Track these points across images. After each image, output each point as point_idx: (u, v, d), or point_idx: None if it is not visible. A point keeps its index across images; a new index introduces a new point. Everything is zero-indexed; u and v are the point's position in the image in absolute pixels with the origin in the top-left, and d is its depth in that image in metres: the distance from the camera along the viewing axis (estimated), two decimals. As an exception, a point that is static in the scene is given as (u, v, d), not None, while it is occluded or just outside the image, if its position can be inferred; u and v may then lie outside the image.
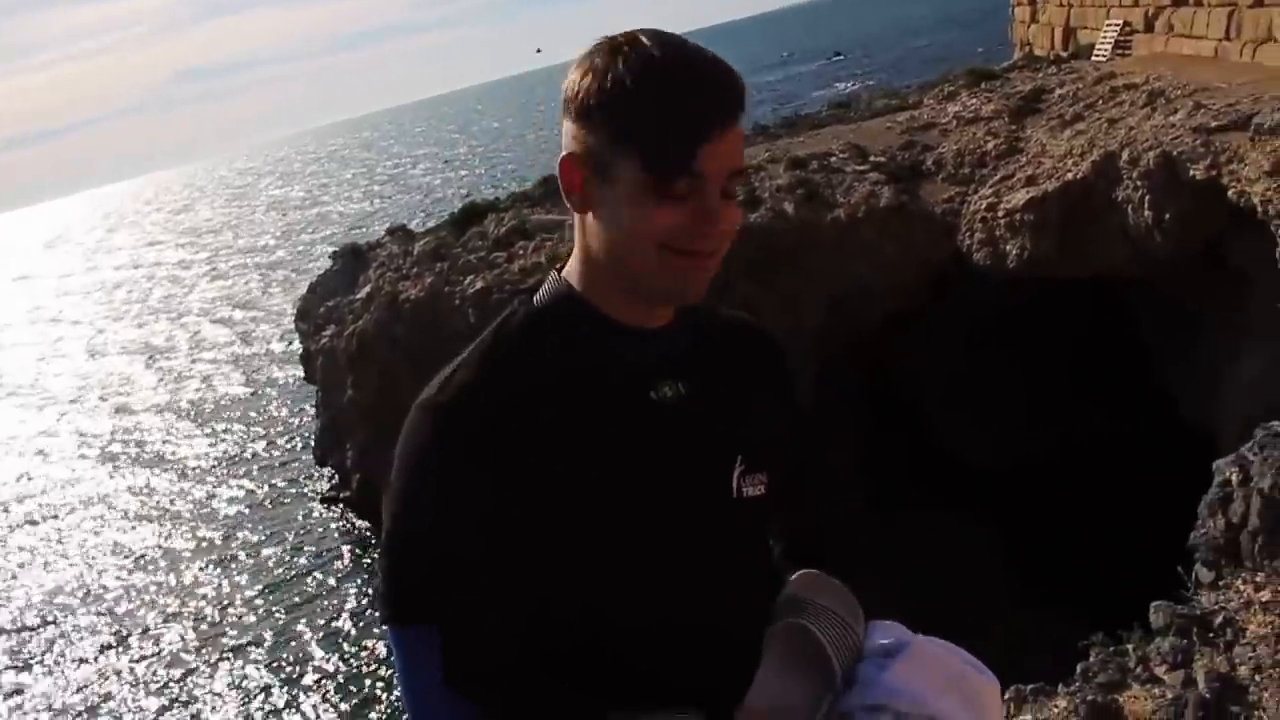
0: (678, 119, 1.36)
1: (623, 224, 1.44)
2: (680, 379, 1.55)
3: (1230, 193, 13.60)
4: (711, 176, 1.40)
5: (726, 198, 1.45)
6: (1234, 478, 5.58)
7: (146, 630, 20.79)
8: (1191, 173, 13.91)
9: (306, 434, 27.53)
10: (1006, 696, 4.72)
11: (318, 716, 17.05)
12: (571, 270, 1.57)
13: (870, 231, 17.38)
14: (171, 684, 18.74)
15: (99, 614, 21.90)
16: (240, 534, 24.19)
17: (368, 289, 22.46)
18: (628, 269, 1.47)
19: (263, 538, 23.76)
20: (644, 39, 1.40)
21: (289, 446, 28.94)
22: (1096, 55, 23.74)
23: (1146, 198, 14.47)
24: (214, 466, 28.76)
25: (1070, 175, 15.47)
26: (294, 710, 17.35)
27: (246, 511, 25.35)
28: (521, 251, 20.66)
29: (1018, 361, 18.79)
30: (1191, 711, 3.37)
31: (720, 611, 1.53)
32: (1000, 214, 16.03)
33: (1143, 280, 16.15)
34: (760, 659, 1.51)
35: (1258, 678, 3.45)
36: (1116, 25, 23.74)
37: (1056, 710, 3.74)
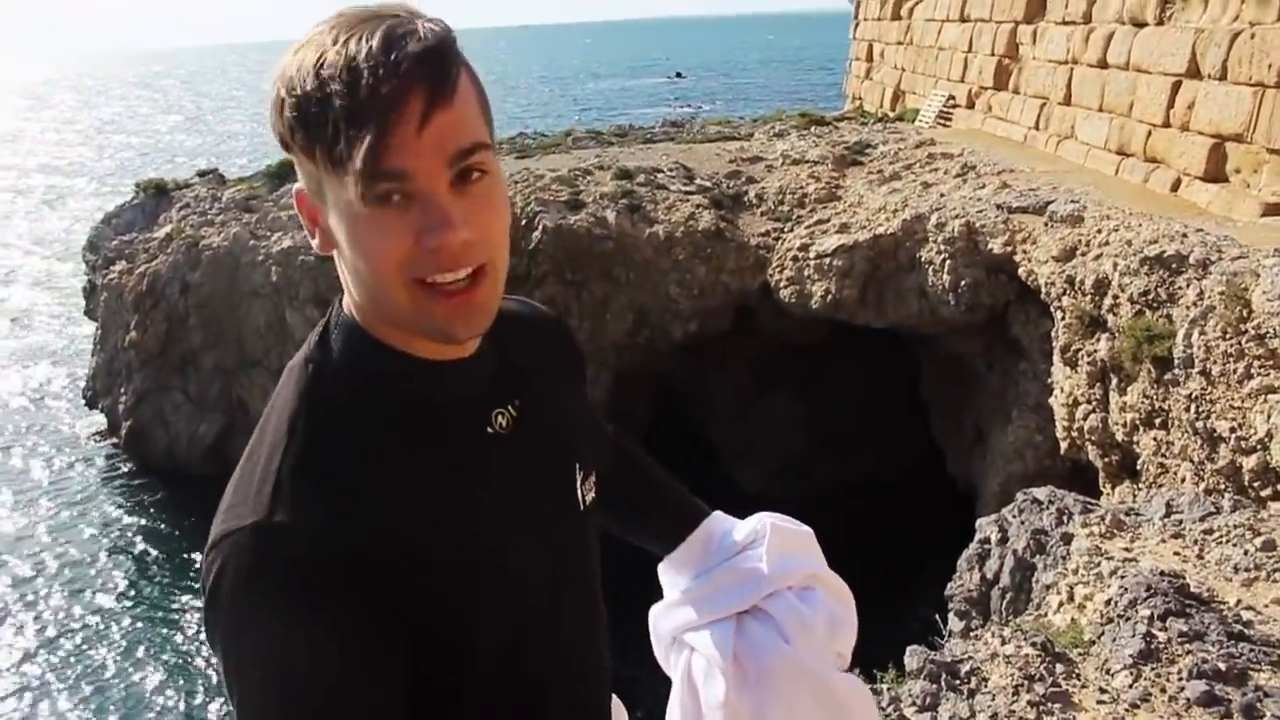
0: (351, 110, 1.10)
1: (356, 257, 1.22)
2: (508, 402, 1.40)
3: (1021, 270, 14.55)
4: (423, 172, 1.15)
5: (463, 183, 1.20)
6: (993, 536, 5.98)
7: None
8: (990, 245, 14.80)
9: (78, 373, 25.94)
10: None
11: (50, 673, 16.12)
12: (355, 310, 1.33)
13: (685, 252, 17.72)
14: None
15: None
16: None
17: (168, 229, 21.42)
18: (389, 310, 1.26)
19: (16, 478, 22.17)
20: (320, 29, 1.16)
21: (57, 385, 27.21)
22: (920, 121, 24.95)
23: (947, 262, 15.30)
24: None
25: (881, 229, 16.19)
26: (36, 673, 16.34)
27: (6, 443, 23.63)
28: (336, 216, 20.09)
29: (804, 397, 19.53)
30: (932, 751, 3.61)
31: (588, 629, 1.52)
32: (811, 255, 16.63)
33: (931, 338, 17.05)
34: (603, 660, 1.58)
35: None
36: (942, 96, 25.02)
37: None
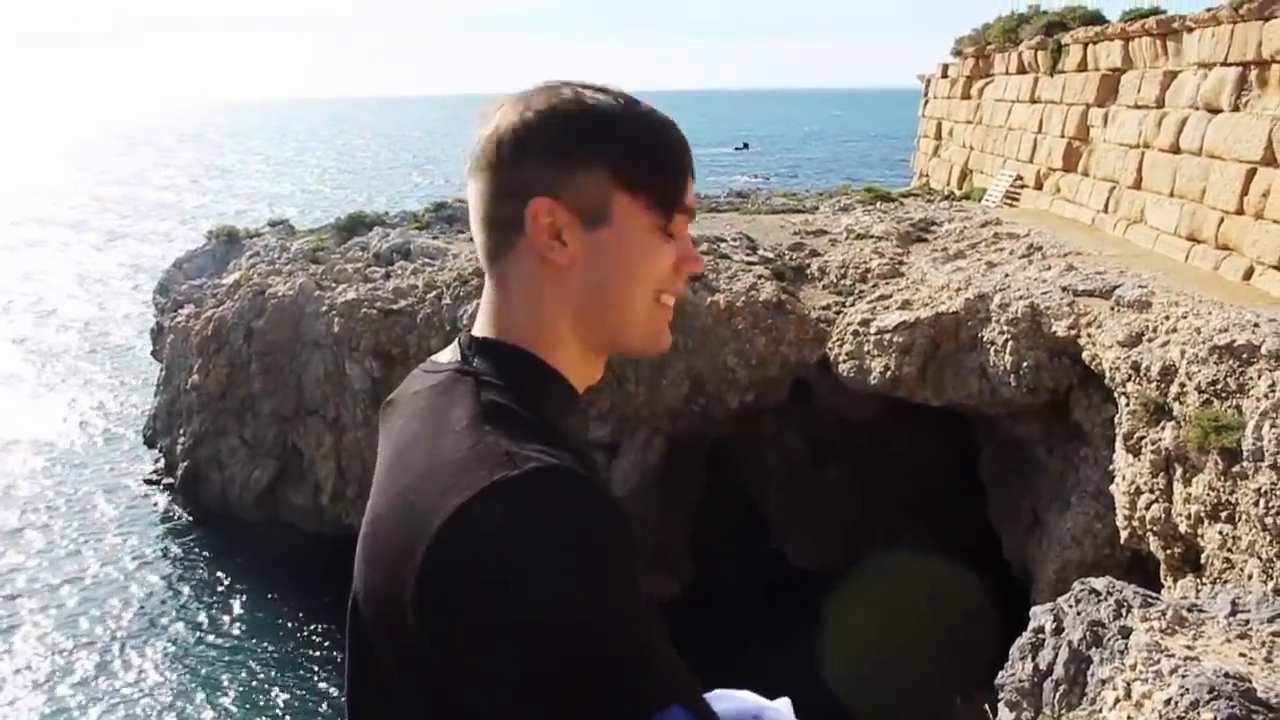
0: (672, 152, 1.37)
1: (628, 269, 1.34)
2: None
3: (1085, 353, 14.30)
4: (690, 216, 1.41)
5: None
6: (1048, 626, 5.78)
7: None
8: (1054, 328, 14.58)
9: (140, 412, 26.36)
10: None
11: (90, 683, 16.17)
12: (525, 334, 1.36)
13: (745, 321, 17.67)
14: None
15: None
16: (47, 513, 22.75)
17: (236, 276, 21.83)
18: (618, 320, 1.37)
19: (72, 518, 22.45)
20: (593, 84, 1.36)
21: (118, 421, 27.67)
22: (987, 200, 24.83)
23: (1009, 343, 15.09)
24: (38, 430, 27.25)
25: (944, 307, 16.04)
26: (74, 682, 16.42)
27: (58, 485, 23.96)
28: (400, 271, 20.38)
29: (859, 473, 19.29)
30: None
31: None
32: (872, 330, 16.50)
33: (990, 419, 16.78)
34: None
35: None
36: (1010, 176, 24.91)
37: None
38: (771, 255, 19.50)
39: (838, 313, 17.62)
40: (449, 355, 1.39)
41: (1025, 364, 14.89)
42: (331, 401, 20.07)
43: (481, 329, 1.39)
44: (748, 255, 19.32)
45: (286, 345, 20.32)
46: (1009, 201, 24.28)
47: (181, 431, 22.11)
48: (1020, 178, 24.65)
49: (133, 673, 17.19)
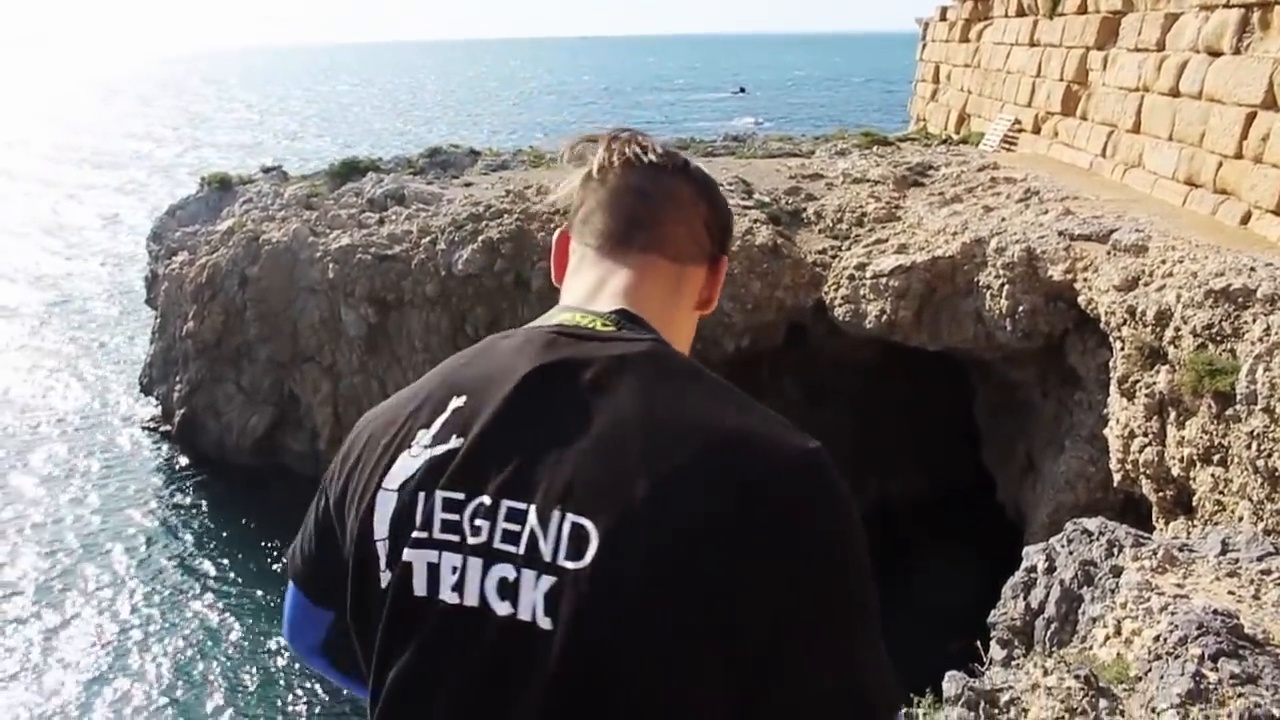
0: None
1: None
2: None
3: (1080, 298, 14.30)
4: None
5: None
6: (1040, 565, 5.83)
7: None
8: (1050, 272, 14.57)
9: (135, 359, 26.33)
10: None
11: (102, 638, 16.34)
12: (658, 323, 1.49)
13: (741, 266, 17.63)
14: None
15: None
16: (44, 462, 22.80)
17: (230, 223, 21.71)
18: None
19: (69, 466, 22.51)
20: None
21: (115, 369, 27.65)
22: (984, 144, 24.67)
23: (1005, 287, 15.08)
24: (32, 380, 27.23)
25: (940, 251, 16.00)
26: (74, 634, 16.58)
27: (57, 434, 24.00)
28: (394, 217, 20.28)
29: (854, 417, 19.34)
30: (966, 780, 3.50)
31: None
32: (868, 275, 16.47)
33: (985, 363, 16.82)
34: None
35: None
36: (1008, 120, 24.73)
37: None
38: (767, 199, 19.40)
39: (834, 257, 17.57)
40: (593, 323, 1.42)
41: (1021, 308, 14.89)
42: (327, 348, 20.06)
43: (636, 308, 1.47)
44: (743, 199, 19.22)
45: (281, 291, 20.27)
46: (1007, 146, 24.14)
47: (178, 379, 22.12)
48: (1018, 122, 24.48)
49: (132, 618, 17.33)
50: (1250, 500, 10.85)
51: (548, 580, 1.18)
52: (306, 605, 1.59)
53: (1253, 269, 12.18)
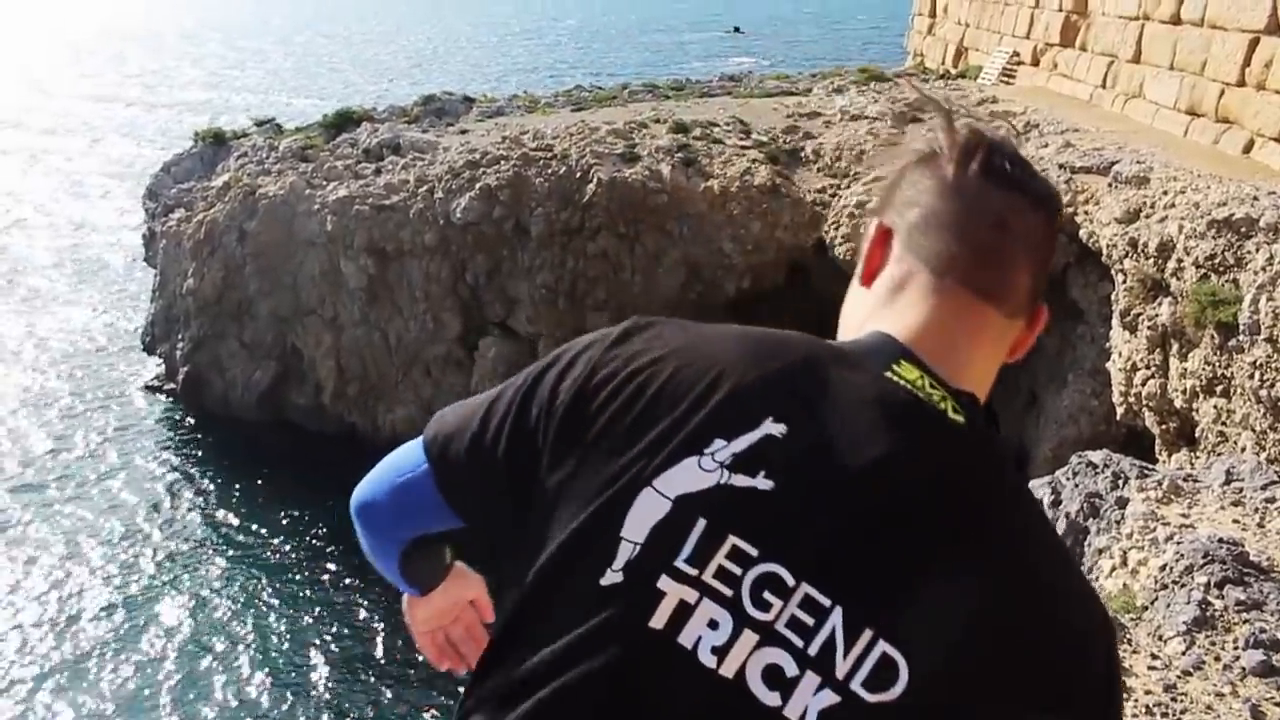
0: None
1: None
2: None
3: (1082, 231, 14.25)
4: None
5: None
6: (1045, 499, 5.85)
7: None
8: (1051, 205, 14.50)
9: (137, 317, 26.28)
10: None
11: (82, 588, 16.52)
12: (980, 390, 1.30)
13: (740, 207, 17.56)
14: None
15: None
16: (50, 423, 22.82)
17: (225, 178, 21.59)
18: None
19: (75, 426, 22.54)
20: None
21: (116, 328, 27.59)
22: (983, 78, 24.43)
23: (1005, 222, 15.00)
24: (32, 342, 27.18)
25: (939, 188, 15.90)
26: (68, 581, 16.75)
27: (61, 395, 24.00)
28: (390, 166, 20.17)
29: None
30: None
31: None
32: (868, 212, 16.39)
33: (988, 300, 16.78)
34: None
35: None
36: (1006, 53, 24.47)
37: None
38: (765, 139, 19.27)
39: (833, 195, 17.49)
40: (943, 402, 1.20)
41: (1022, 243, 14.83)
42: (328, 300, 20.04)
43: (968, 380, 1.24)
44: (741, 139, 19.09)
45: (280, 246, 20.20)
46: (1005, 79, 23.90)
47: (180, 337, 22.11)
48: (1017, 54, 24.22)
49: (141, 574, 17.49)
50: (1253, 430, 10.89)
51: (830, 696, 1.05)
52: (437, 502, 1.38)
53: (1255, 198, 12.11)
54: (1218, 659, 3.89)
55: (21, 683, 14.98)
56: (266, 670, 15.39)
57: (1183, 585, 4.32)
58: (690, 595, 1.09)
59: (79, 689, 14.88)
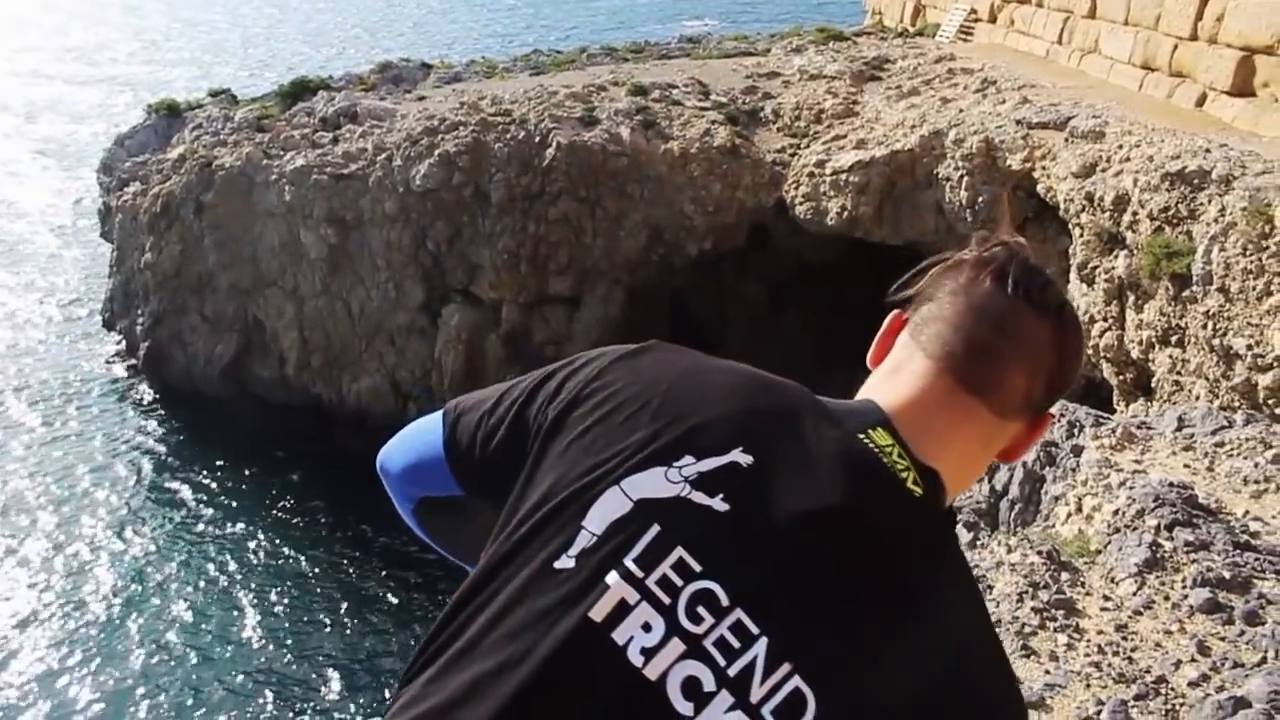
0: None
1: None
2: None
3: (1039, 186, 14.38)
4: None
5: None
6: (1003, 449, 5.98)
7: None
8: (1009, 162, 14.61)
9: (95, 295, 25.94)
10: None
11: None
12: (954, 489, 1.36)
13: (700, 168, 17.56)
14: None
15: None
16: (12, 403, 22.52)
17: (180, 150, 21.31)
18: None
19: (37, 405, 22.27)
20: None
21: (74, 306, 27.21)
22: (940, 35, 24.47)
23: (965, 179, 15.12)
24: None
25: (899, 145, 15.99)
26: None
27: (20, 374, 23.67)
28: (348, 135, 19.97)
29: (819, 315, 19.47)
30: (935, 655, 3.63)
31: None
32: (828, 171, 16.46)
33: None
34: None
35: (997, 630, 3.75)
36: (963, 10, 24.49)
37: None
38: (724, 100, 19.25)
39: (793, 155, 17.52)
40: (906, 472, 1.27)
41: (981, 199, 14.96)
42: (289, 272, 19.88)
43: (937, 460, 1.30)
44: (700, 101, 19.06)
45: (239, 217, 20.00)
46: (963, 36, 23.94)
47: (140, 312, 21.87)
48: (974, 11, 24.25)
49: (112, 547, 17.41)
50: (1206, 379, 11.09)
51: (740, 717, 1.10)
52: (441, 468, 1.49)
53: (1208, 150, 12.27)
54: (1167, 598, 4.01)
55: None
56: (236, 639, 15.44)
57: (1134, 529, 4.44)
58: (632, 595, 1.16)
59: (51, 663, 14.86)
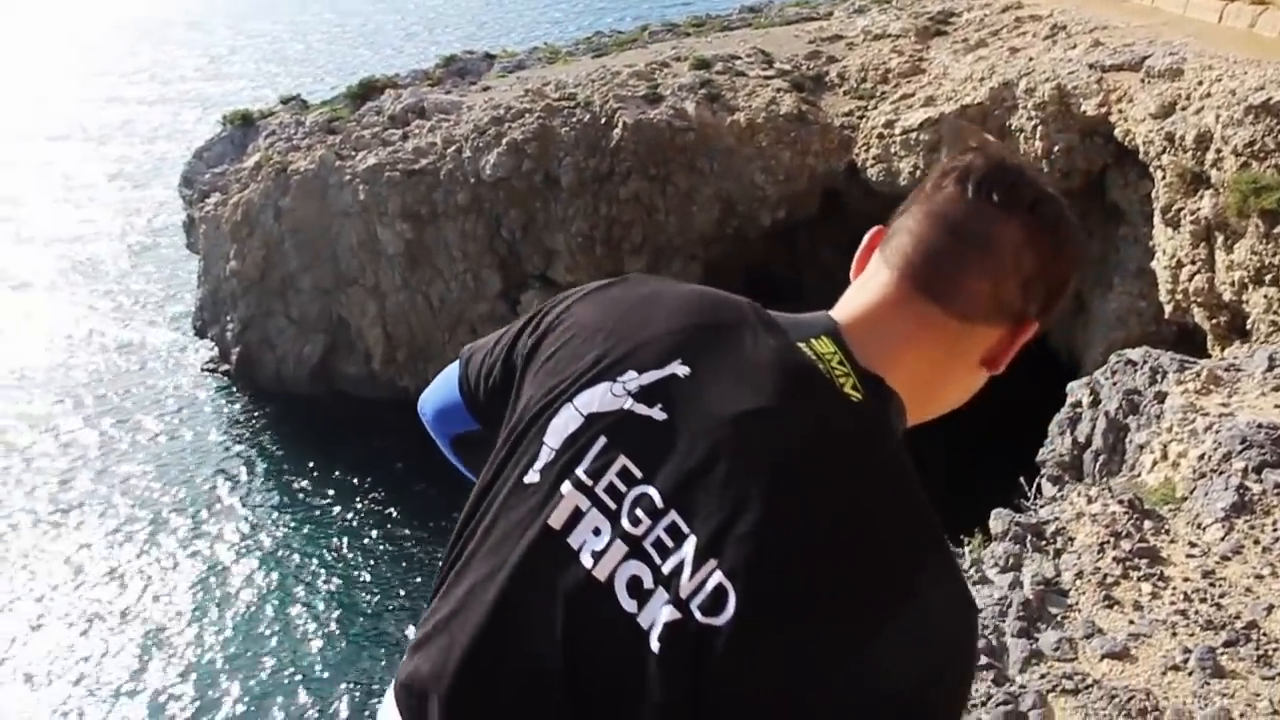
0: None
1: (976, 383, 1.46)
2: None
3: (1117, 130, 13.98)
4: None
5: None
6: (1084, 399, 5.85)
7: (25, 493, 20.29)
8: (1083, 108, 14.23)
9: (187, 304, 26.70)
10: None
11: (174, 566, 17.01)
12: (916, 398, 1.37)
13: (768, 138, 17.42)
14: (41, 553, 18.38)
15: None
16: (116, 406, 23.37)
17: (256, 158, 21.76)
18: (940, 409, 1.47)
19: (139, 410, 23.06)
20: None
21: (169, 316, 28.06)
22: (1006, -18, 23.88)
23: (1038, 128, 14.77)
24: (89, 334, 27.73)
25: (968, 99, 15.67)
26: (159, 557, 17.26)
27: (123, 382, 24.52)
28: (417, 131, 20.20)
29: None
30: (1014, 611, 3.58)
31: None
32: (897, 131, 16.20)
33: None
34: None
35: (1078, 582, 3.68)
36: (1029, -46, 23.87)
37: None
38: (788, 67, 19.04)
39: (861, 117, 17.28)
40: (845, 380, 1.30)
41: (1056, 148, 14.60)
42: (369, 269, 20.21)
43: (888, 368, 1.33)
44: (764, 70, 18.89)
45: (316, 219, 20.36)
46: (1031, -18, 23.34)
47: (229, 318, 22.43)
48: (1041, -45, 23.63)
49: (214, 546, 17.97)
50: (1304, 315, 10.72)
51: (673, 612, 1.17)
52: (460, 407, 1.64)
53: (1293, 79, 11.82)
54: (1257, 542, 3.90)
55: (100, 654, 15.53)
56: (333, 631, 15.85)
57: (1220, 473, 4.32)
58: (584, 503, 1.27)
59: (157, 658, 15.45)
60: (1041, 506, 4.54)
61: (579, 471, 1.28)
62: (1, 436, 22.43)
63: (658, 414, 1.28)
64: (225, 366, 23.24)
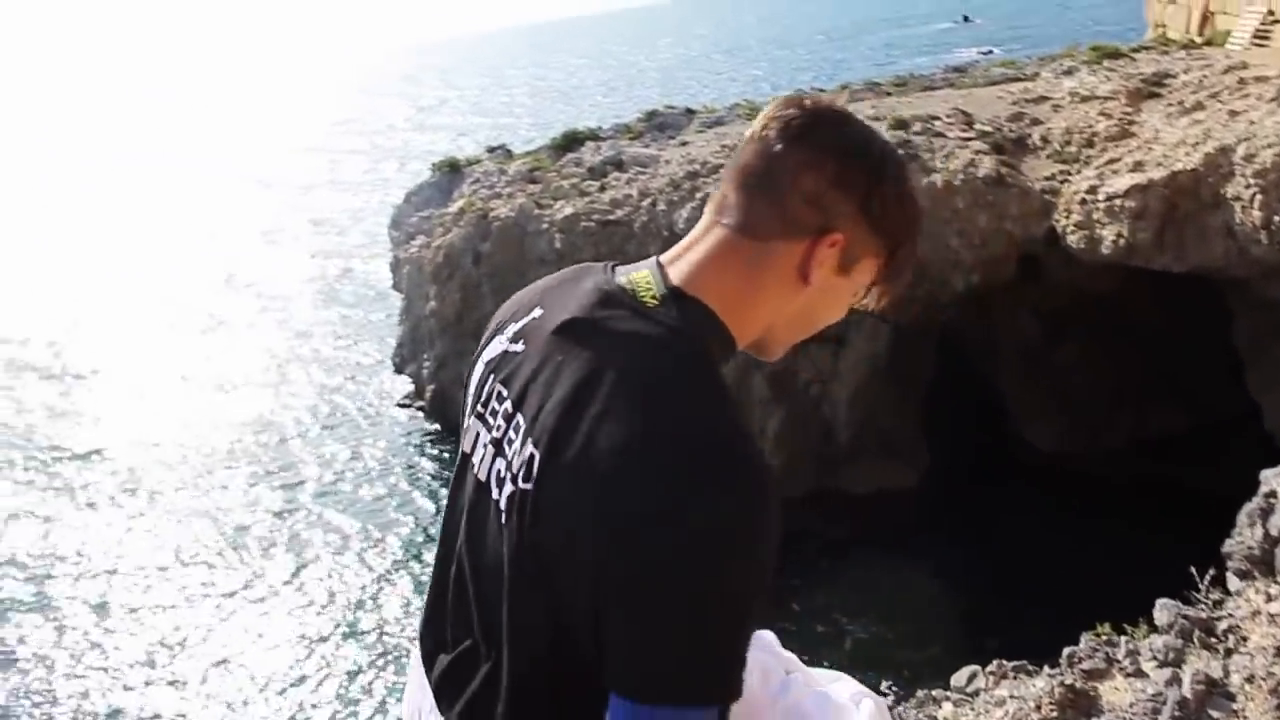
0: (918, 226, 1.67)
1: (832, 313, 1.64)
2: None
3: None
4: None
5: None
6: (1279, 490, 5.45)
7: (219, 521, 21.60)
8: (1307, 176, 13.40)
9: (389, 341, 28.08)
10: (989, 669, 4.73)
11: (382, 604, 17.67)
12: (737, 320, 1.55)
13: (965, 200, 17.05)
14: (242, 585, 19.46)
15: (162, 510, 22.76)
16: (313, 438, 24.75)
17: (460, 203, 22.71)
18: (785, 342, 1.65)
19: (336, 442, 24.35)
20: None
21: (371, 352, 29.58)
22: (1232, 43, 22.76)
23: (1258, 197, 13.97)
24: (292, 366, 29.50)
25: (1180, 165, 14.97)
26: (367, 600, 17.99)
27: (321, 417, 25.96)
28: (615, 182, 20.68)
29: (1099, 349, 18.44)
30: (1169, 710, 3.33)
31: None
32: (1101, 197, 15.60)
33: (1242, 281, 15.64)
34: None
35: (1247, 687, 3.41)
36: (1258, 13, 22.69)
37: (1033, 689, 3.74)
38: (989, 128, 18.64)
39: (1063, 182, 16.72)
40: (647, 293, 1.53)
41: (1277, 218, 13.76)
42: (560, 316, 20.72)
43: (694, 287, 1.54)
44: (963, 131, 18.55)
45: (513, 265, 21.04)
46: (1258, 41, 22.17)
47: (425, 357, 23.39)
48: (1272, 12, 22.43)
49: (411, 575, 18.62)
50: None
51: (510, 486, 1.48)
52: None
53: None
54: None
55: (308, 679, 16.22)
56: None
57: None
58: (480, 429, 1.62)
59: (366, 683, 16.04)
60: (1215, 601, 4.24)
61: (479, 407, 1.64)
62: (221, 457, 24.07)
63: (518, 347, 1.60)
64: (420, 403, 24.22)
